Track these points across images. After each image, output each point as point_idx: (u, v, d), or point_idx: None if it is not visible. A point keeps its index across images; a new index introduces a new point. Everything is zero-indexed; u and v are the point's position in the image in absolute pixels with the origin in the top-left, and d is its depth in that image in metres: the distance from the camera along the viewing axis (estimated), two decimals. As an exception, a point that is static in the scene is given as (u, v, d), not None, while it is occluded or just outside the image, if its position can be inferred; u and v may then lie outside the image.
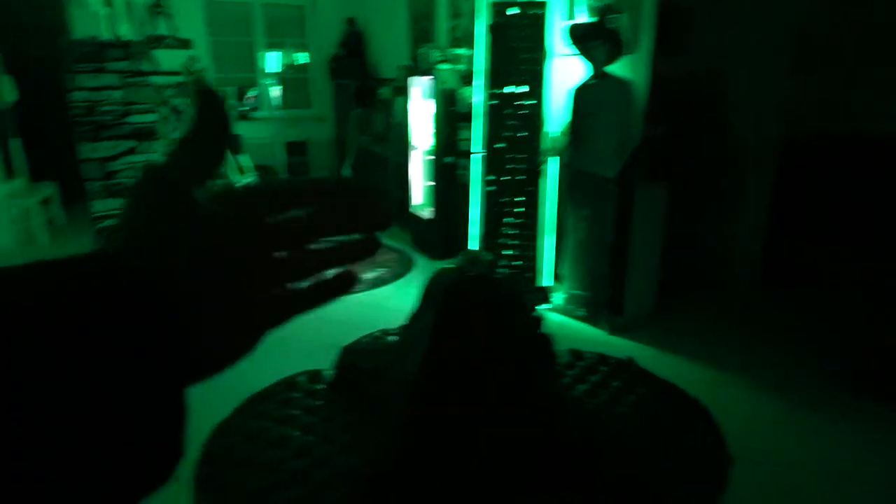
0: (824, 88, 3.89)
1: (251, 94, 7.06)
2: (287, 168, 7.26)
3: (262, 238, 0.32)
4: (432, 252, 4.76)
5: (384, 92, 5.91)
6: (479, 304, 1.65)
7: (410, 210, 5.08)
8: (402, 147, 5.25)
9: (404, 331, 1.96)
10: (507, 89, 3.63)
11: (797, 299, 3.88)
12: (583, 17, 3.51)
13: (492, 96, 3.67)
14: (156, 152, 3.58)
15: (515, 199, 3.71)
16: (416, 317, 1.87)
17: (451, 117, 4.47)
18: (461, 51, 4.62)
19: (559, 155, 3.65)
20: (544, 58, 3.51)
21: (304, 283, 0.35)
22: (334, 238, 0.35)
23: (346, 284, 0.37)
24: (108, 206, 3.35)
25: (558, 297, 3.70)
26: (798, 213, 3.97)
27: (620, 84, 3.21)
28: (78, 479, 0.23)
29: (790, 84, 3.77)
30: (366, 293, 4.03)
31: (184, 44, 5.42)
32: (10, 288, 0.24)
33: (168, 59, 5.22)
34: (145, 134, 3.46)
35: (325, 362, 2.86)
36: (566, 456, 1.60)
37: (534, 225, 3.71)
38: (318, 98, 7.53)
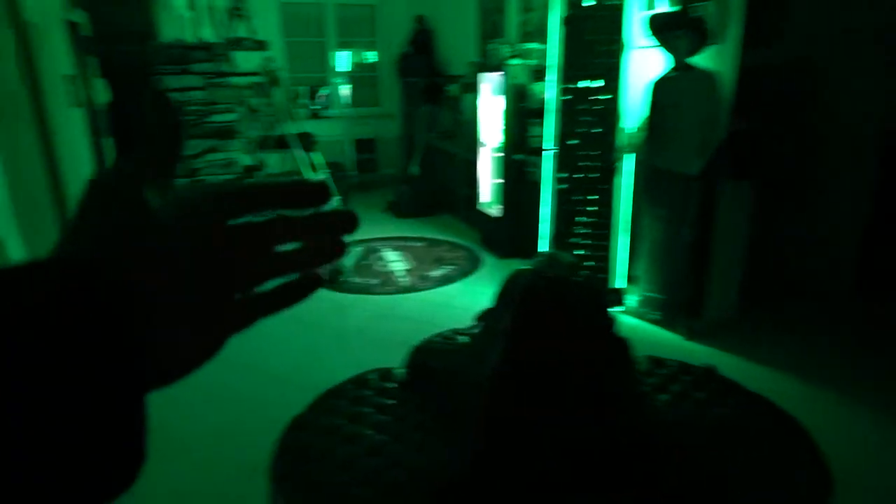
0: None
1: (322, 92, 7.22)
2: (356, 165, 7.40)
3: (221, 242, 0.31)
4: (500, 250, 4.70)
5: (452, 89, 5.89)
6: (558, 307, 1.58)
7: (478, 208, 5.04)
8: (470, 144, 5.21)
9: (477, 331, 1.92)
10: (582, 84, 3.52)
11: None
12: (664, 7, 3.34)
13: (565, 91, 3.56)
14: (234, 150, 3.72)
15: (588, 198, 3.59)
16: (491, 317, 1.82)
17: (522, 114, 4.39)
18: (532, 45, 4.53)
19: (635, 151, 3.50)
20: (622, 50, 3.37)
21: (269, 286, 0.35)
22: (298, 240, 0.35)
23: (309, 287, 0.37)
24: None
25: (631, 300, 3.56)
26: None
27: (705, 76, 3.03)
28: (37, 483, 0.23)
29: (893, 74, 3.45)
30: (432, 291, 4.03)
31: (261, 45, 5.61)
32: None
33: (246, 60, 5.41)
34: (225, 133, 3.60)
35: (392, 359, 2.87)
36: (648, 470, 1.51)
37: (607, 224, 3.57)
38: (386, 96, 7.62)
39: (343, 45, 7.41)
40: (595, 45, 3.43)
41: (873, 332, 3.36)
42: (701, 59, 3.09)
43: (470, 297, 3.93)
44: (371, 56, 7.59)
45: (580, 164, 3.59)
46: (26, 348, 0.23)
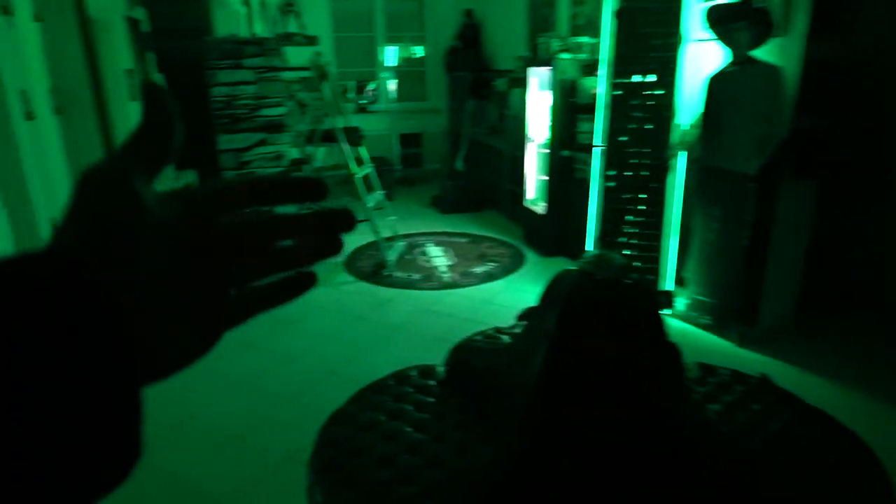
0: None
1: (370, 87, 7.27)
2: (401, 159, 7.43)
3: (215, 237, 0.31)
4: (543, 248, 4.63)
5: (500, 83, 5.82)
6: (605, 310, 1.53)
7: (524, 204, 4.97)
8: (516, 140, 5.15)
9: (522, 332, 1.88)
10: (634, 79, 3.41)
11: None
12: (724, -2, 3.20)
13: (615, 86, 3.45)
14: (283, 144, 3.78)
15: (638, 196, 3.48)
16: (535, 317, 1.78)
17: (571, 109, 4.29)
18: (583, 39, 4.42)
19: (689, 149, 3.37)
20: (678, 44, 3.24)
21: (264, 282, 0.35)
22: (294, 237, 0.35)
23: (304, 285, 0.37)
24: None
25: (680, 303, 3.44)
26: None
27: (768, 70, 2.89)
28: (31, 478, 0.23)
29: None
30: (475, 287, 4.00)
31: (311, 40, 5.68)
32: None
33: (296, 55, 5.49)
34: (274, 127, 3.66)
35: (432, 355, 2.86)
36: (695, 481, 1.45)
37: (657, 224, 3.46)
38: (433, 91, 7.61)
39: (391, 40, 7.45)
40: (649, 39, 3.31)
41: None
42: (762, 53, 2.94)
43: (512, 294, 3.88)
44: (419, 51, 7.60)
45: (630, 161, 3.48)
46: (12, 341, 0.23)
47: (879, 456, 1.75)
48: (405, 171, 7.41)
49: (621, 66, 3.42)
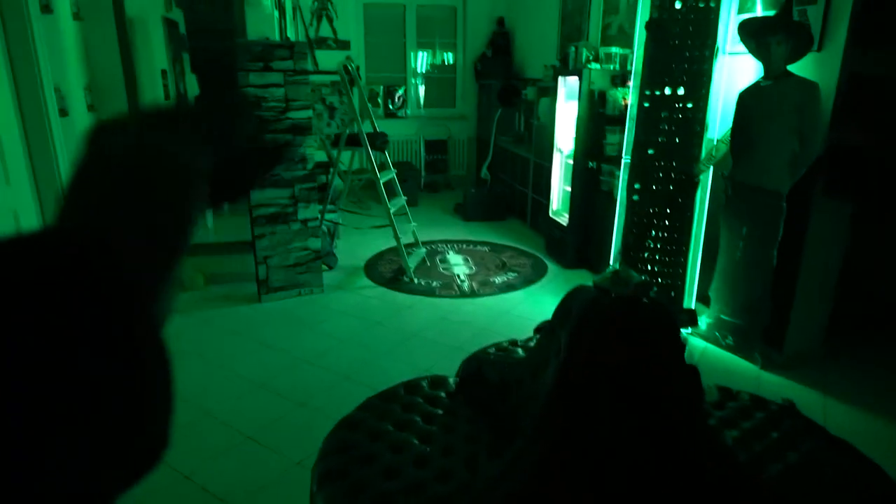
0: None
1: (399, 92, 7.31)
2: (427, 165, 7.43)
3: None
4: (565, 260, 4.57)
5: (528, 92, 5.79)
6: (620, 329, 1.49)
7: (548, 215, 4.92)
8: (543, 149, 5.11)
9: (535, 346, 1.84)
10: (665, 91, 3.34)
11: None
12: (759, 10, 3.12)
13: (645, 98, 3.39)
14: (309, 147, 3.81)
15: (664, 211, 3.41)
16: (549, 332, 1.75)
17: (599, 120, 4.24)
18: (614, 49, 4.37)
19: (718, 164, 3.29)
20: (712, 57, 3.17)
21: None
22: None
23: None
24: (265, 196, 3.64)
25: (703, 322, 3.35)
26: None
27: (805, 86, 2.80)
28: (61, 466, 0.22)
29: None
30: (494, 297, 3.96)
31: (343, 45, 5.75)
32: None
33: (327, 58, 5.55)
34: (300, 129, 3.68)
35: (448, 364, 2.84)
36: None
37: (683, 240, 3.38)
38: (462, 97, 7.61)
39: (422, 46, 7.48)
40: (682, 51, 3.25)
41: None
42: (797, 67, 2.86)
43: (531, 306, 3.84)
44: (449, 57, 7.61)
45: (657, 175, 3.41)
46: (44, 325, 0.22)
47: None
48: (431, 177, 7.42)
49: (651, 78, 3.36)
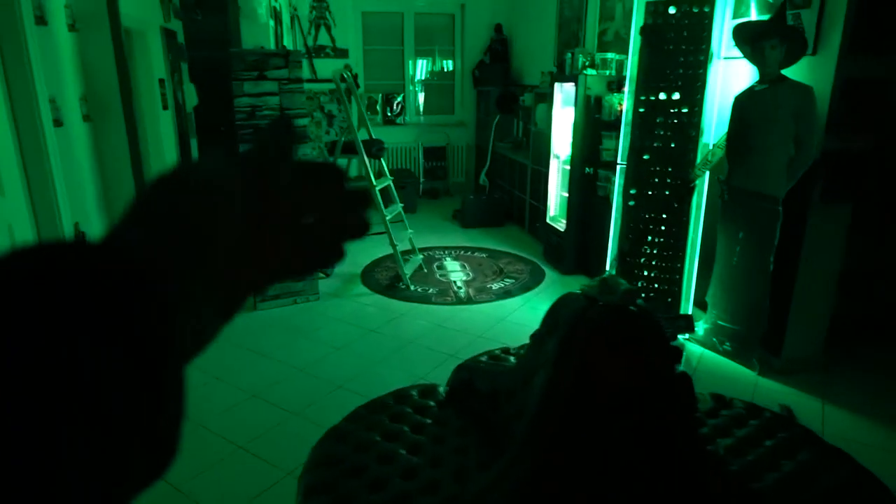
0: None
1: (397, 100, 7.32)
2: (426, 172, 7.44)
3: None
4: (563, 266, 4.55)
5: (526, 98, 5.79)
6: (608, 335, 1.47)
7: (545, 221, 4.91)
8: (540, 155, 5.10)
9: (526, 355, 1.83)
10: (659, 96, 3.33)
11: None
12: (753, 15, 3.12)
13: (640, 103, 3.39)
14: (305, 155, 3.81)
15: (660, 216, 3.39)
16: (538, 340, 1.73)
17: (595, 126, 4.23)
18: (610, 55, 4.37)
19: (714, 169, 3.27)
20: (707, 62, 3.16)
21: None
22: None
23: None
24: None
25: (700, 327, 3.32)
26: None
27: (800, 90, 2.79)
28: (69, 473, 0.22)
29: None
30: (490, 304, 3.95)
31: (342, 53, 5.76)
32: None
33: (325, 67, 5.57)
34: (297, 138, 3.69)
35: (442, 372, 2.82)
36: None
37: (679, 245, 3.36)
38: (461, 104, 7.62)
39: (420, 54, 7.49)
40: (677, 56, 3.24)
41: None
42: (792, 71, 2.84)
43: (528, 312, 3.82)
44: (448, 64, 7.63)
45: (653, 180, 3.40)
46: (69, 332, 0.22)
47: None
48: (429, 184, 7.42)
49: (647, 83, 3.35)
